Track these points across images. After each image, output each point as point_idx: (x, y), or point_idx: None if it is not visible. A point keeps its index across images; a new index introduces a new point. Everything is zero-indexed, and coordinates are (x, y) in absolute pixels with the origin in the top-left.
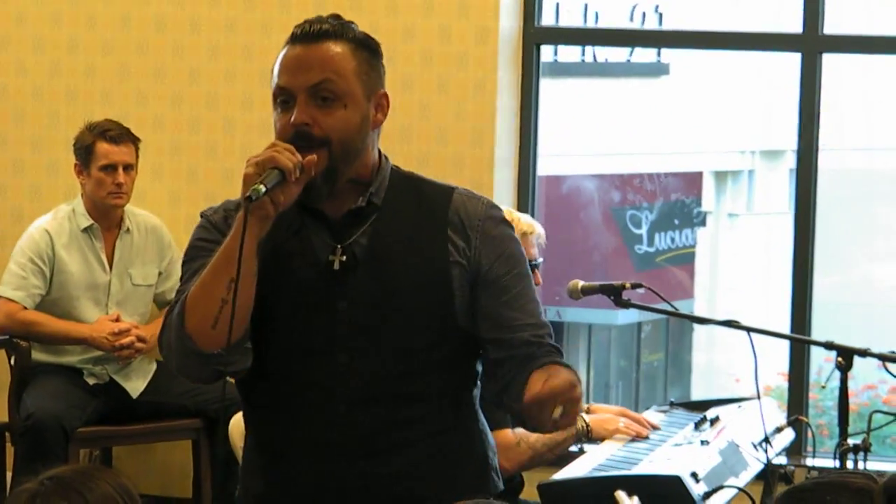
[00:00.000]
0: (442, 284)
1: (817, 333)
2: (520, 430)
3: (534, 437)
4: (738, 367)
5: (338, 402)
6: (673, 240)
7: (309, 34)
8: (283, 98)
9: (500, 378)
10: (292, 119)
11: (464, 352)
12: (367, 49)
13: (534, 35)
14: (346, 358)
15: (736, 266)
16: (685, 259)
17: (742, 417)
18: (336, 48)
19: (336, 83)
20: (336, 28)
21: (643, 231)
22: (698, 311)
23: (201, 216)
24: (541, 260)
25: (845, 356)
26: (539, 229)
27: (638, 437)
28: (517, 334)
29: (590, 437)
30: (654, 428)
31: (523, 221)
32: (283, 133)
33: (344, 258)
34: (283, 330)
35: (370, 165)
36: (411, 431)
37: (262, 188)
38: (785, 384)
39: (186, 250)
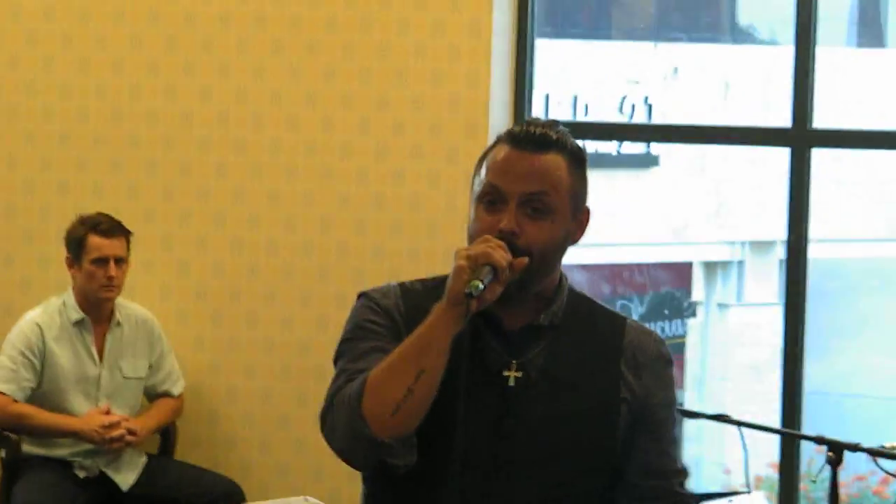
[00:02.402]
0: (609, 419)
1: (808, 423)
2: None
3: None
4: (728, 459)
5: None
6: (663, 329)
7: (533, 140)
8: (492, 198)
9: None
10: (502, 224)
11: (608, 486)
12: (580, 164)
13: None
14: (503, 477)
15: (726, 356)
16: (675, 349)
17: None
18: (557, 161)
19: (551, 197)
20: (559, 138)
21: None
22: (689, 401)
23: (364, 296)
24: None
25: (836, 451)
26: None
27: None
28: (668, 481)
29: None
30: None
31: None
32: (484, 234)
33: (519, 375)
34: (438, 435)
35: (555, 280)
36: None
37: (481, 285)
38: (776, 475)
39: (351, 329)
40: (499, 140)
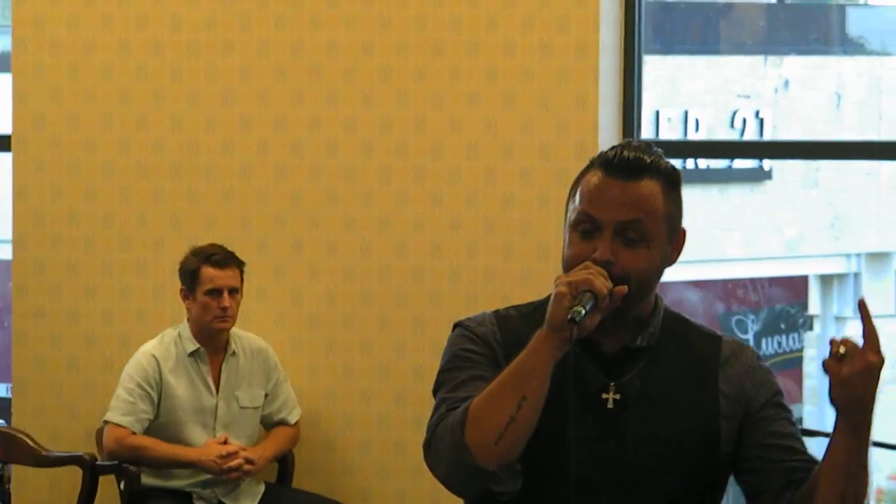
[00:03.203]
0: (710, 436)
1: None
2: None
3: None
4: None
5: None
6: (780, 344)
7: (627, 166)
8: (586, 227)
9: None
10: (597, 254)
11: (712, 502)
12: (675, 186)
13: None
14: (605, 500)
15: None
16: (793, 363)
17: None
18: (651, 187)
19: (646, 225)
20: (653, 161)
21: (750, 336)
22: (807, 416)
23: (460, 326)
24: None
25: None
26: None
27: None
28: (790, 464)
29: None
30: None
31: None
32: (579, 262)
33: (618, 397)
34: (544, 460)
35: (651, 303)
36: None
37: (583, 311)
38: None
39: (449, 359)
40: (592, 165)
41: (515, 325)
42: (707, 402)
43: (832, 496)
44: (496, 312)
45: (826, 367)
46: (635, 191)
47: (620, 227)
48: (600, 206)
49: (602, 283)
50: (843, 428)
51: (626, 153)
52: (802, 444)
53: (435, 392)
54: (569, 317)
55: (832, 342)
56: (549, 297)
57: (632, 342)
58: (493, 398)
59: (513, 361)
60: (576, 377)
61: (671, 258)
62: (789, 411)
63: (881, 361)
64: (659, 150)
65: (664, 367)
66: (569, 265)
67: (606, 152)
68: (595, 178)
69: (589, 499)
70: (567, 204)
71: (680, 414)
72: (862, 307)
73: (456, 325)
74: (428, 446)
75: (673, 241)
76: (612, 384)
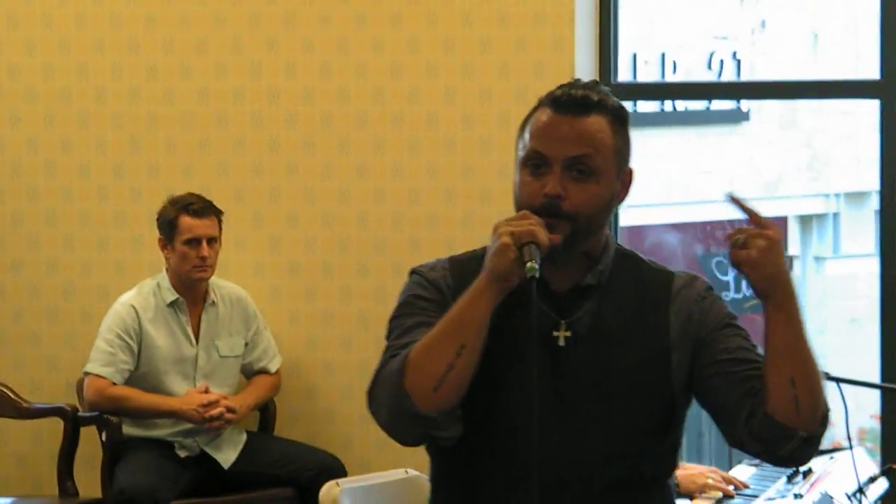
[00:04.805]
0: (662, 369)
1: None
2: None
3: None
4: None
5: (541, 483)
6: None
7: (575, 103)
8: (536, 163)
9: (743, 414)
10: (546, 189)
11: (673, 440)
12: (623, 123)
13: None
14: (558, 438)
15: (824, 309)
16: None
17: (835, 468)
18: (600, 123)
19: (594, 159)
20: (601, 99)
21: (730, 278)
22: None
23: (415, 272)
24: None
25: None
26: None
27: (727, 496)
28: (743, 374)
29: (678, 492)
30: (744, 487)
31: None
32: (531, 199)
33: (569, 334)
34: (494, 400)
35: (601, 240)
36: None
37: (537, 266)
38: (878, 426)
39: (399, 305)
40: (540, 104)
41: (467, 268)
42: (658, 337)
43: (782, 382)
44: (451, 258)
45: (735, 258)
46: (583, 126)
47: (569, 163)
48: (549, 143)
49: (545, 236)
50: (772, 310)
51: (573, 91)
52: (756, 354)
53: (387, 339)
54: (529, 275)
55: (729, 236)
56: None
57: (581, 280)
58: (432, 346)
59: (451, 309)
60: (525, 316)
61: (620, 196)
62: (742, 330)
63: (778, 234)
64: (606, 88)
65: (615, 304)
66: (521, 203)
67: (554, 91)
68: (544, 115)
69: (541, 437)
70: (517, 143)
71: (631, 350)
72: (734, 200)
73: (411, 272)
74: (370, 393)
75: (621, 178)
76: (562, 322)
